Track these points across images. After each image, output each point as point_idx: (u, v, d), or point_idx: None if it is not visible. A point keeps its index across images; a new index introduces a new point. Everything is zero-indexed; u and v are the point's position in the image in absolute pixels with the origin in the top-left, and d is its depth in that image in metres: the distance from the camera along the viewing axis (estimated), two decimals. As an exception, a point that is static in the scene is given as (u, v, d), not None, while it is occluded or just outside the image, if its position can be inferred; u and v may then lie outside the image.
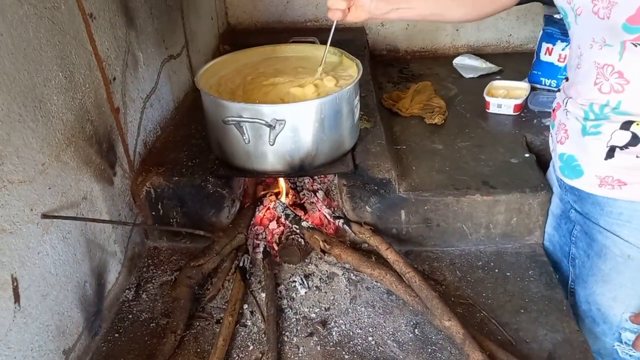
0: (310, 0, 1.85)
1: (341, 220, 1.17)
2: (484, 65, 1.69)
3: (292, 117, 1.04)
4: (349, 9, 0.99)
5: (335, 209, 1.24)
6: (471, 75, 1.66)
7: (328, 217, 1.21)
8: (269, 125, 1.02)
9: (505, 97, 1.43)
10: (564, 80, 0.95)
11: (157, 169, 1.16)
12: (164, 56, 1.33)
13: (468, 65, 1.71)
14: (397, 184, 1.14)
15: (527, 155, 1.22)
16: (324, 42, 1.16)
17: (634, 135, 0.80)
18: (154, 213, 1.16)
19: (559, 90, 0.97)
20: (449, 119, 1.43)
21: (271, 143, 1.05)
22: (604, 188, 0.87)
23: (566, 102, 0.91)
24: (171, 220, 1.17)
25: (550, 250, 1.12)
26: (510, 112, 1.40)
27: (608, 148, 0.83)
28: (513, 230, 1.14)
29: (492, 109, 1.43)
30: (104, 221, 0.98)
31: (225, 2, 1.88)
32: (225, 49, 1.76)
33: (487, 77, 1.64)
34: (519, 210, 1.11)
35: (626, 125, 0.81)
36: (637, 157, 0.81)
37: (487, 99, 1.43)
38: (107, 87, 1.04)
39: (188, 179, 1.15)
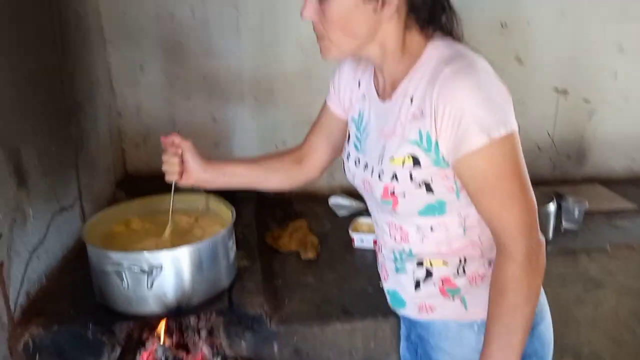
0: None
1: (219, 358, 1.25)
2: (353, 205, 1.97)
3: (168, 262, 1.18)
4: (182, 172, 1.13)
5: (218, 346, 1.33)
6: (343, 214, 1.92)
7: (208, 355, 1.29)
8: (145, 272, 1.14)
9: (367, 232, 1.68)
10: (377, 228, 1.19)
11: (37, 319, 1.20)
12: (55, 209, 1.44)
13: (341, 204, 1.98)
14: (269, 318, 1.27)
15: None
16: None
17: (428, 270, 1.03)
18: (30, 365, 1.18)
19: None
20: (322, 253, 1.63)
21: (149, 287, 1.16)
22: (423, 313, 1.07)
23: (380, 248, 1.14)
24: (48, 372, 1.19)
25: (407, 371, 1.27)
26: (371, 245, 1.63)
27: (415, 282, 1.05)
28: (372, 354, 1.29)
29: (357, 244, 1.66)
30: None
31: (123, 154, 2.06)
32: (120, 196, 1.90)
33: (357, 215, 1.89)
34: (374, 335, 1.28)
35: (420, 264, 1.03)
36: (434, 285, 1.03)
37: (352, 235, 1.66)
38: (-8, 244, 1.12)
39: (67, 327, 1.19)
